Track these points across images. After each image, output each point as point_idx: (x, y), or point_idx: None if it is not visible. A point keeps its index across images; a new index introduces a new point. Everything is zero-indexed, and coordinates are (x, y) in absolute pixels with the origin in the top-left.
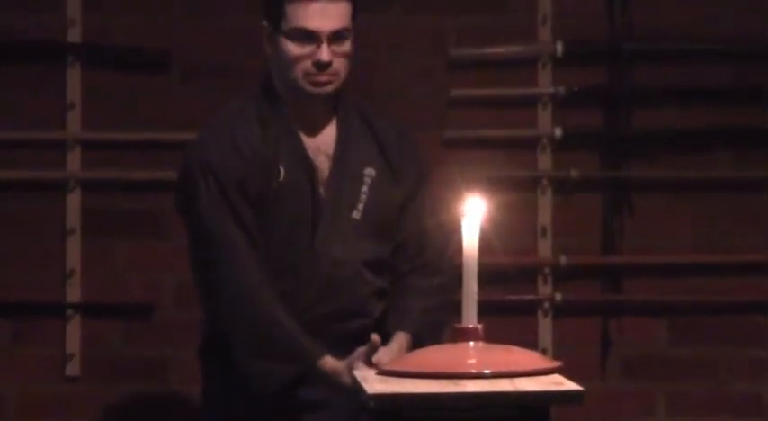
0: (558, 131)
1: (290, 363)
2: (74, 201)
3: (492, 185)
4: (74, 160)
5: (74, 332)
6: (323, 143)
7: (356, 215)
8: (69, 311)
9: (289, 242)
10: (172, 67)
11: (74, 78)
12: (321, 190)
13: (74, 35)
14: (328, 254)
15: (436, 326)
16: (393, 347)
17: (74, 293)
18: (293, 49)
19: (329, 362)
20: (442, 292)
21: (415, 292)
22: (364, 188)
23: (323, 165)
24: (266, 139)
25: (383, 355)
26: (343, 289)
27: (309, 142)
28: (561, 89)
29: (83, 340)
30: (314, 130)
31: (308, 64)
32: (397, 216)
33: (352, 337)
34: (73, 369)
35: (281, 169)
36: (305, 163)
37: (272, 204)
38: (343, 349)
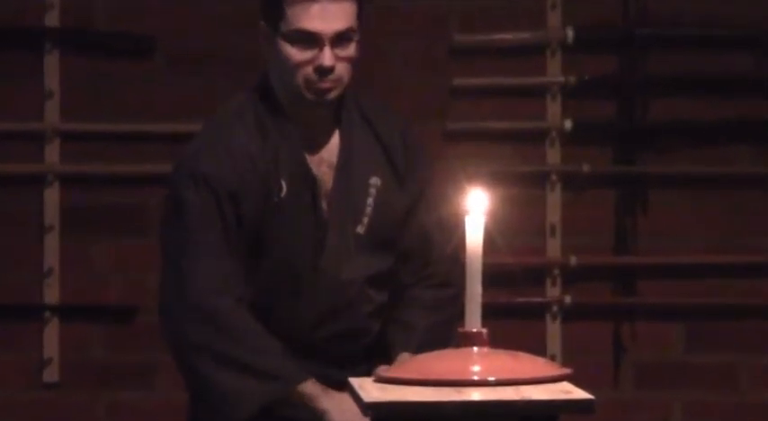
0: (567, 123)
1: (266, 383)
2: (52, 196)
3: (497, 181)
4: (52, 153)
5: (52, 335)
6: (325, 152)
7: (360, 230)
8: (47, 313)
9: (289, 261)
10: (157, 54)
11: (52, 65)
12: (323, 204)
13: (52, 19)
14: (332, 274)
15: (442, 342)
16: None
17: (52, 294)
18: (293, 53)
19: (309, 386)
20: (448, 306)
21: (420, 307)
22: (369, 200)
23: (326, 176)
24: (265, 149)
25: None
26: (345, 309)
27: (311, 151)
28: (571, 78)
29: (61, 344)
30: (315, 139)
31: (308, 70)
32: (401, 224)
33: (353, 357)
34: (51, 375)
35: (283, 184)
36: (306, 176)
37: (271, 221)
38: (342, 369)
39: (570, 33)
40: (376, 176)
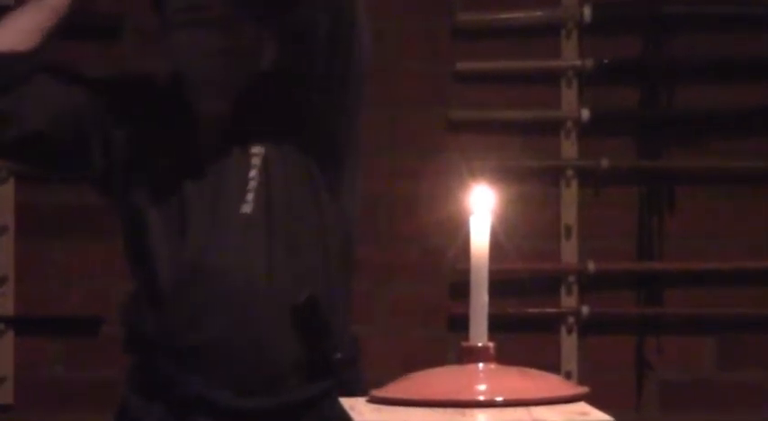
0: (585, 113)
1: None
2: (6, 194)
3: (505, 177)
4: None
5: (6, 351)
6: None
7: (246, 209)
8: (1, 326)
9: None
10: (124, 34)
11: None
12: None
13: None
14: (207, 263)
15: None
16: None
17: (6, 305)
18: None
19: None
20: None
21: None
22: (252, 172)
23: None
24: None
25: None
26: (228, 310)
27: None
28: (589, 62)
29: (16, 361)
30: None
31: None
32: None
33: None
34: (4, 395)
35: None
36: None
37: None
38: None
39: (588, 12)
40: (259, 145)
